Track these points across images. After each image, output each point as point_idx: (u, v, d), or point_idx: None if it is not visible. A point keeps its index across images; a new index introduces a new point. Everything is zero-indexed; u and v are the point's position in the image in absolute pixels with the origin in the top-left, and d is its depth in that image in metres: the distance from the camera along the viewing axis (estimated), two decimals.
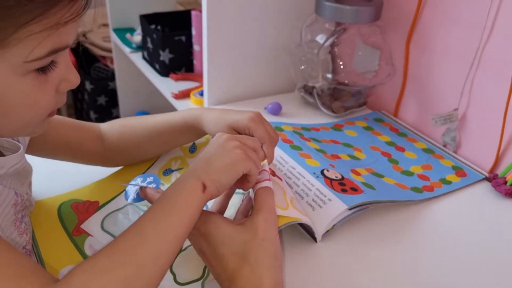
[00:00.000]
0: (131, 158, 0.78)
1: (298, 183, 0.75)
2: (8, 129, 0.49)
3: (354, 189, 0.74)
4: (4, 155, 0.56)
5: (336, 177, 0.77)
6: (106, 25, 1.98)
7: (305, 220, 0.64)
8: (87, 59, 2.15)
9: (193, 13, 1.32)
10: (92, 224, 0.67)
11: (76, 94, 2.33)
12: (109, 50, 1.94)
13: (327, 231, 0.69)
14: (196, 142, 0.78)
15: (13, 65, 0.42)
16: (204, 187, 0.52)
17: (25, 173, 0.61)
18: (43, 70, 0.45)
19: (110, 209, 0.71)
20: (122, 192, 0.73)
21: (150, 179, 0.73)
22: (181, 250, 0.65)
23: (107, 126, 0.76)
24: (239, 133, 0.64)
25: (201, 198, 0.52)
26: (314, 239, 0.69)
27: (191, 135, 0.73)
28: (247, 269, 0.52)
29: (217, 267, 0.54)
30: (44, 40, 0.42)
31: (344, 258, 0.66)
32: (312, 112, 1.06)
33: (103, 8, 1.80)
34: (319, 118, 1.03)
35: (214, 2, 0.98)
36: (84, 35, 1.99)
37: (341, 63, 0.97)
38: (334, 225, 0.70)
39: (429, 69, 0.97)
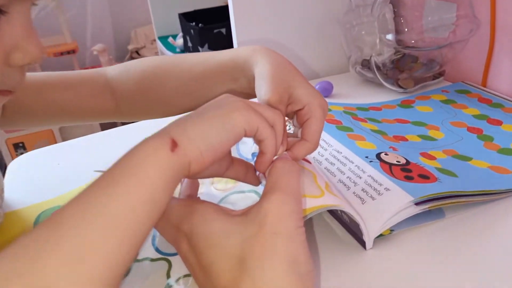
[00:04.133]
0: (153, 113, 0.61)
1: (344, 170, 0.53)
2: None
3: (425, 177, 0.51)
4: None
5: (398, 161, 0.54)
6: None
7: (348, 209, 0.42)
8: None
9: None
10: None
11: None
12: None
13: (381, 235, 0.46)
14: None
15: None
16: (174, 144, 0.32)
17: None
18: None
19: None
20: None
21: None
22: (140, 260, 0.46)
23: (117, 72, 0.59)
24: (288, 103, 0.44)
25: (169, 161, 0.31)
26: (363, 244, 0.46)
27: (235, 82, 0.53)
28: (248, 282, 0.31)
29: (205, 281, 0.34)
30: None
31: (405, 271, 0.43)
32: (373, 90, 0.83)
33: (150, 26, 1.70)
34: (382, 96, 0.80)
35: None
36: (137, 52, 1.91)
37: (403, 19, 0.74)
38: (392, 230, 0.47)
39: None
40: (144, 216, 0.30)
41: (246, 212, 0.34)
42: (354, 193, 0.49)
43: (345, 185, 0.51)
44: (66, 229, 0.27)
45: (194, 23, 1.31)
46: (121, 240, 0.28)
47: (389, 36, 0.74)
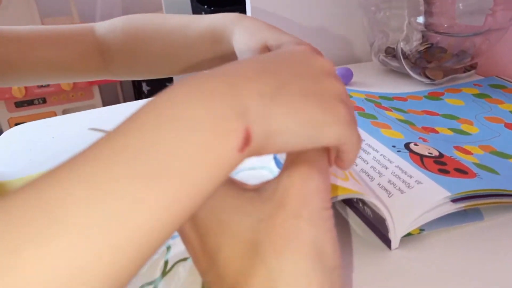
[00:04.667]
0: (141, 74, 0.61)
1: (367, 159, 0.46)
2: None
3: (462, 171, 0.44)
4: None
5: (430, 153, 0.47)
6: None
7: (374, 200, 0.36)
8: None
9: None
10: None
11: None
12: None
13: (409, 234, 0.39)
14: None
15: None
16: (248, 139, 0.22)
17: None
18: None
19: None
20: None
21: None
22: None
23: (104, 31, 0.57)
24: None
25: (232, 162, 0.22)
26: (387, 243, 0.39)
27: (216, 51, 0.52)
28: (261, 274, 0.24)
29: (208, 268, 0.27)
30: None
31: (434, 277, 0.36)
32: (397, 80, 0.76)
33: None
34: (407, 87, 0.73)
35: None
36: None
37: (436, 1, 0.67)
38: (422, 229, 0.40)
39: None
40: (169, 227, 0.20)
41: (261, 188, 0.27)
42: (379, 184, 0.42)
43: (368, 175, 0.44)
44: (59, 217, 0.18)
45: (206, 6, 1.24)
46: (128, 256, 0.19)
47: (420, 19, 0.67)
